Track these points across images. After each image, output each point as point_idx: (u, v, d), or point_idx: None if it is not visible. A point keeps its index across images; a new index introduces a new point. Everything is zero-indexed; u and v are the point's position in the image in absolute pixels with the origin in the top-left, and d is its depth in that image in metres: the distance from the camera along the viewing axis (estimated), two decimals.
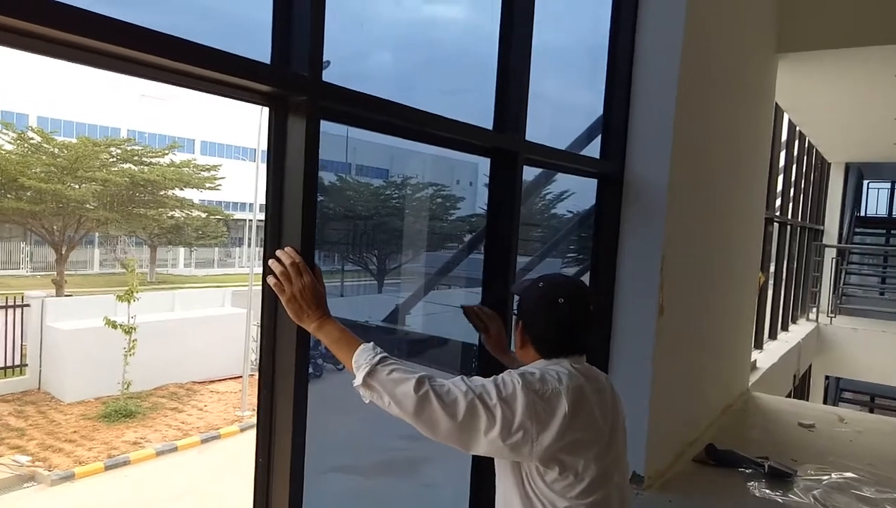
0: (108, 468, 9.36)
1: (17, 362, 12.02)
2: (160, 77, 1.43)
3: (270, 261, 1.54)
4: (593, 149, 3.21)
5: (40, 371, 12.19)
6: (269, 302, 1.61)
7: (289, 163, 1.60)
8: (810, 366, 9.39)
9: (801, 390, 8.69)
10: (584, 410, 1.43)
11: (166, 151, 20.01)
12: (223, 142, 31.98)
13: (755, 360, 6.10)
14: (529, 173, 3.00)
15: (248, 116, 20.20)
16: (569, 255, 6.25)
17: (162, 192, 20.17)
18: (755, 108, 4.67)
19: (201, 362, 13.33)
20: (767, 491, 3.11)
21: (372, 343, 1.44)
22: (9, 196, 17.04)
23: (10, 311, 11.91)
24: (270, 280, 1.52)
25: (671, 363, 3.30)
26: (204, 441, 10.67)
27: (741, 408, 4.71)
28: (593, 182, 3.19)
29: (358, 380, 1.39)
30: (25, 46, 1.21)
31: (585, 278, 3.37)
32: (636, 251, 3.12)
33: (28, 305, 12.21)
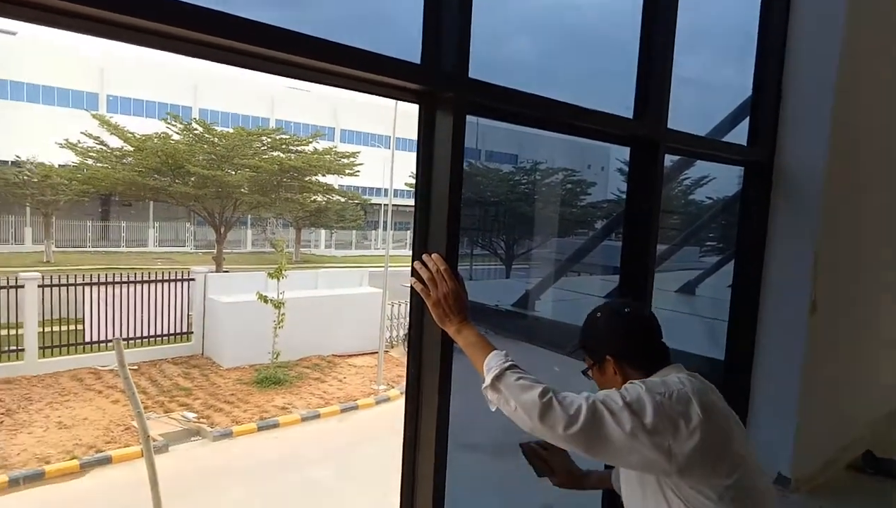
0: (260, 429, 10.27)
1: (185, 329, 13.46)
2: (323, 80, 1.58)
3: (417, 265, 1.64)
4: (740, 134, 3.06)
5: (203, 338, 13.57)
6: (417, 298, 1.70)
7: (436, 160, 1.69)
8: None
9: None
10: (716, 410, 1.40)
11: (310, 140, 21.24)
12: (361, 130, 33.46)
13: None
14: (667, 158, 2.92)
15: (384, 105, 20.98)
16: (708, 244, 5.96)
17: (307, 178, 21.47)
18: None
19: (341, 337, 14.17)
20: None
21: (505, 351, 1.49)
22: (178, 181, 18.98)
23: (179, 284, 13.33)
24: (417, 285, 1.63)
25: (823, 363, 3.09)
26: (343, 410, 11.38)
27: None
28: (736, 167, 3.05)
29: (486, 383, 1.44)
30: (214, 57, 1.41)
31: (728, 268, 3.24)
32: (787, 245, 2.93)
33: (193, 279, 13.59)
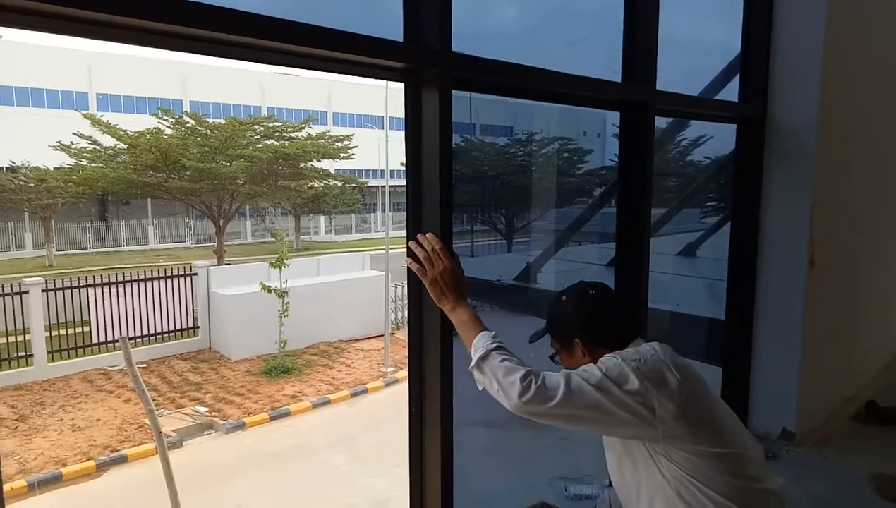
0: (272, 418, 10.35)
1: (191, 324, 13.50)
2: (303, 64, 1.55)
3: (412, 245, 1.65)
4: (732, 92, 3.02)
5: (210, 332, 13.62)
6: (414, 279, 1.70)
7: (425, 139, 1.67)
8: None
9: None
10: (690, 372, 1.43)
11: (303, 125, 21.09)
12: (354, 112, 33.24)
13: None
14: (663, 120, 2.89)
15: (376, 85, 20.75)
16: (708, 205, 5.92)
17: (302, 164, 21.34)
18: None
19: (347, 322, 14.21)
20: None
21: (494, 332, 1.51)
22: (173, 176, 18.89)
23: (182, 280, 13.35)
24: (413, 266, 1.64)
25: (824, 318, 3.09)
26: (353, 395, 11.46)
27: None
28: (733, 125, 3.02)
29: (473, 363, 1.47)
30: (195, 49, 1.39)
31: (726, 229, 3.23)
32: (782, 200, 2.92)
33: (196, 274, 13.59)
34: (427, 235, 1.64)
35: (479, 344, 1.48)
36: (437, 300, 1.62)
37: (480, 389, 1.48)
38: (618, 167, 2.36)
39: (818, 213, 2.86)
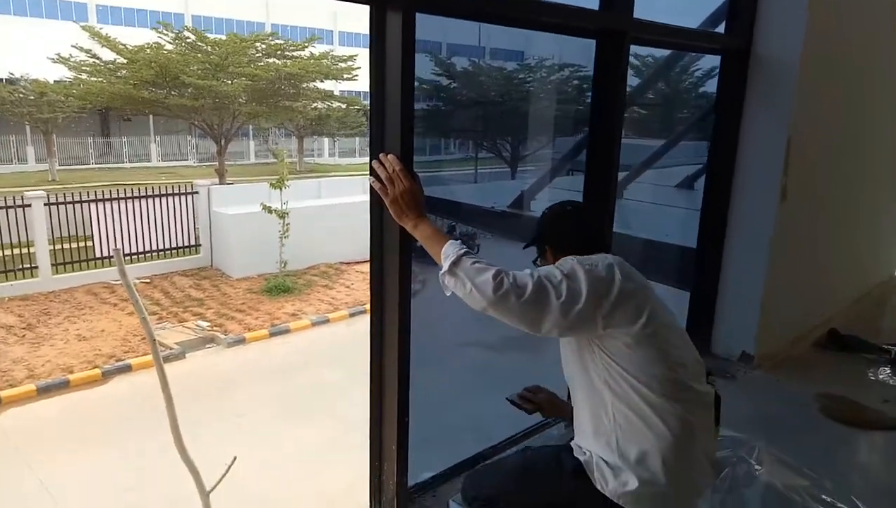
0: (272, 334, 10.66)
1: (192, 242, 13.69)
2: None
3: (374, 164, 1.72)
4: None
5: (211, 250, 13.82)
6: (376, 197, 1.79)
7: (389, 62, 1.70)
8: None
9: None
10: (634, 275, 1.59)
11: (306, 44, 20.58)
12: (361, 32, 32.33)
13: None
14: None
15: None
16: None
17: (304, 85, 20.97)
18: None
19: (347, 244, 14.35)
20: (888, 376, 3.02)
21: (459, 240, 1.62)
22: (173, 93, 18.64)
23: (183, 198, 13.44)
24: (375, 184, 1.71)
25: (791, 248, 3.19)
26: (352, 315, 11.73)
27: (879, 298, 4.44)
28: None
29: (444, 269, 1.57)
30: None
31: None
32: (760, 131, 2.96)
33: (197, 193, 13.66)
34: (388, 156, 1.70)
35: (448, 251, 1.57)
36: (397, 218, 1.69)
37: (448, 294, 1.59)
38: (591, 98, 2.39)
39: (794, 146, 2.90)
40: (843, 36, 3.18)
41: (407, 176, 1.68)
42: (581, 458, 1.64)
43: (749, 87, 2.95)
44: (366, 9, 1.69)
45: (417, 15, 1.67)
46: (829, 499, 2.15)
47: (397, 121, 1.69)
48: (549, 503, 1.71)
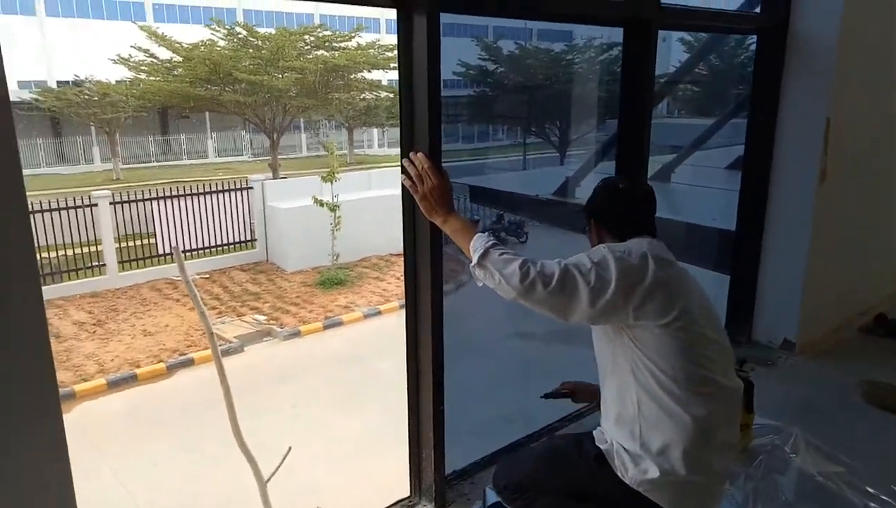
0: (326, 327, 10.87)
1: (248, 237, 14.05)
2: None
3: (405, 163, 1.77)
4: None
5: (266, 244, 14.16)
6: (407, 196, 1.85)
7: (416, 63, 1.71)
8: None
9: None
10: (668, 263, 1.57)
11: (352, 34, 20.68)
12: None
13: None
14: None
15: None
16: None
17: (352, 76, 21.10)
18: None
19: (397, 235, 14.42)
20: None
21: (487, 233, 1.64)
22: (227, 89, 19.08)
23: (239, 193, 13.78)
24: (406, 182, 1.76)
25: (833, 231, 3.05)
26: (402, 306, 11.80)
27: None
28: None
29: (474, 261, 1.60)
30: None
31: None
32: (798, 113, 2.84)
33: (251, 187, 14.00)
34: (418, 154, 1.74)
35: (476, 244, 1.61)
36: (427, 214, 1.75)
37: (480, 285, 1.63)
38: (620, 87, 2.32)
39: (834, 127, 2.75)
40: (880, 19, 3.00)
41: (436, 173, 1.72)
42: (602, 447, 1.66)
43: (786, 67, 2.81)
44: None
45: None
46: (865, 487, 2.10)
47: (425, 119, 1.73)
48: (572, 489, 1.73)
